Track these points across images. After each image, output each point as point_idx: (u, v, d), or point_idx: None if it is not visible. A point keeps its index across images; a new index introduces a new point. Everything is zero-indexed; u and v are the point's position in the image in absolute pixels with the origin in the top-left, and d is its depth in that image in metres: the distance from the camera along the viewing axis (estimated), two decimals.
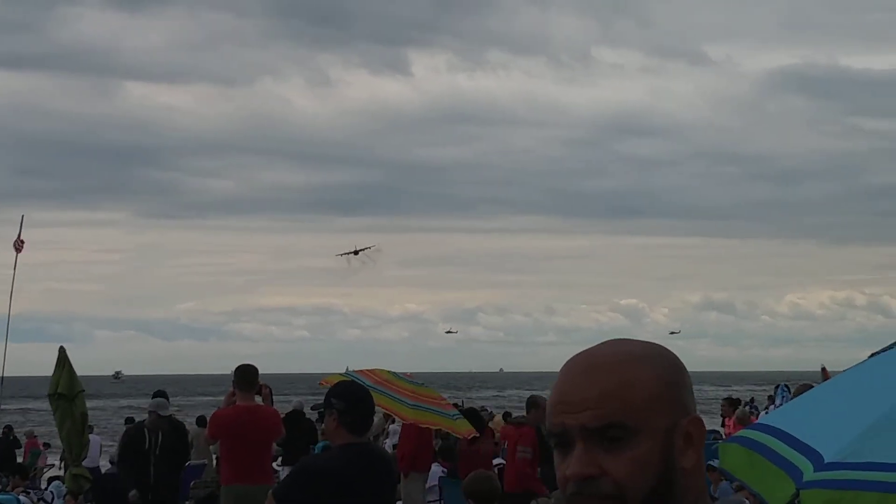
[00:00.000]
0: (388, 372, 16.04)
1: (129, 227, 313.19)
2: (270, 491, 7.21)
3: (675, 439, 2.02)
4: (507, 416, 29.33)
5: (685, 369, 2.13)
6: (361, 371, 15.69)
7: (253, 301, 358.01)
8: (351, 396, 7.05)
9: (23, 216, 22.85)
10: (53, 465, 29.07)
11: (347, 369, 17.72)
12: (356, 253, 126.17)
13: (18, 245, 22.24)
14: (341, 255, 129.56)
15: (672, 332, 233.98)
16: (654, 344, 2.16)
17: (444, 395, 18.26)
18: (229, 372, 12.20)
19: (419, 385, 15.96)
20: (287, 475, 7.27)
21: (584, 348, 2.17)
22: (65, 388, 17.03)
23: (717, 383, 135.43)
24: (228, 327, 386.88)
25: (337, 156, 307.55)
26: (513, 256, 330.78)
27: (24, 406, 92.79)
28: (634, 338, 2.18)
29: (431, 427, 15.79)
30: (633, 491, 1.98)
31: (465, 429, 15.80)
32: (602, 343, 2.16)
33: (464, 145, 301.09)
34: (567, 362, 2.14)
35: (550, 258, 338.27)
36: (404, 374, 16.14)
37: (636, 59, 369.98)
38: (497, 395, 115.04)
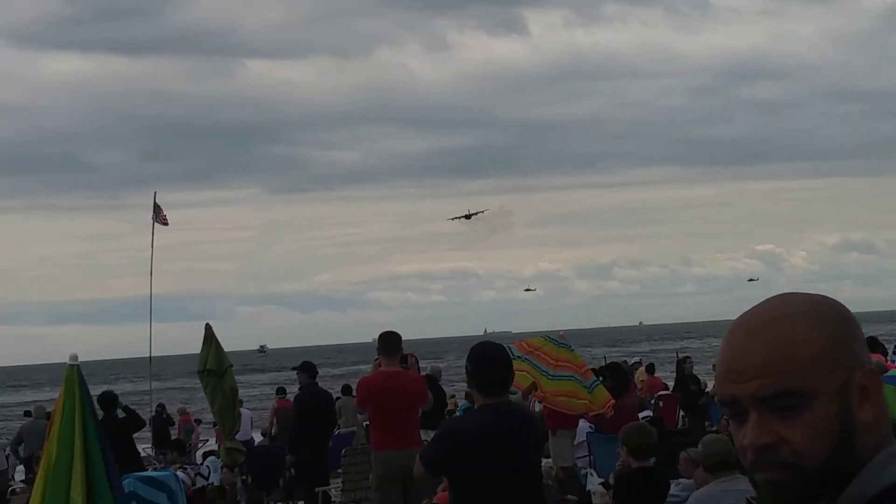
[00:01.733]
0: (542, 338, 16.04)
1: (258, 203, 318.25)
2: (418, 454, 7.28)
3: (851, 395, 1.94)
4: (650, 368, 29.19)
5: (853, 319, 2.01)
6: (517, 343, 15.73)
7: (387, 269, 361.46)
8: (479, 358, 7.06)
9: (155, 192, 23.12)
10: (207, 440, 29.66)
11: (486, 331, 17.74)
12: (468, 217, 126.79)
13: (163, 219, 22.51)
14: (453, 219, 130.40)
15: (750, 280, 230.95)
16: (816, 296, 2.03)
17: (585, 353, 18.17)
18: (370, 340, 12.34)
19: (568, 349, 15.90)
20: (431, 438, 7.33)
21: (747, 308, 2.04)
22: (213, 363, 17.32)
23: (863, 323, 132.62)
24: (365, 296, 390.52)
25: (458, 119, 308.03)
26: (642, 209, 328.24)
27: (172, 384, 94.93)
28: (796, 290, 2.05)
29: (565, 404, 15.67)
30: (811, 455, 1.93)
31: (600, 400, 15.74)
32: (763, 301, 2.04)
33: (584, 101, 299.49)
34: (731, 326, 2.03)
35: (681, 208, 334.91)
36: (557, 335, 16.11)
37: (754, 3, 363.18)
38: (637, 349, 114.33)
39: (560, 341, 16.01)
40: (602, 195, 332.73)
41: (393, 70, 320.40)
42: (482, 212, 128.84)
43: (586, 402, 15.63)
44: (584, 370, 16.38)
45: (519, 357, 14.63)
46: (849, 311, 2.03)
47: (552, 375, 15.35)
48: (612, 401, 16.25)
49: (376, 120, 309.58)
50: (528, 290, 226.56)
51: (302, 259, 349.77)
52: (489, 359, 7.07)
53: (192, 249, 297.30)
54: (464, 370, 7.06)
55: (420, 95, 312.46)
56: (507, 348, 14.97)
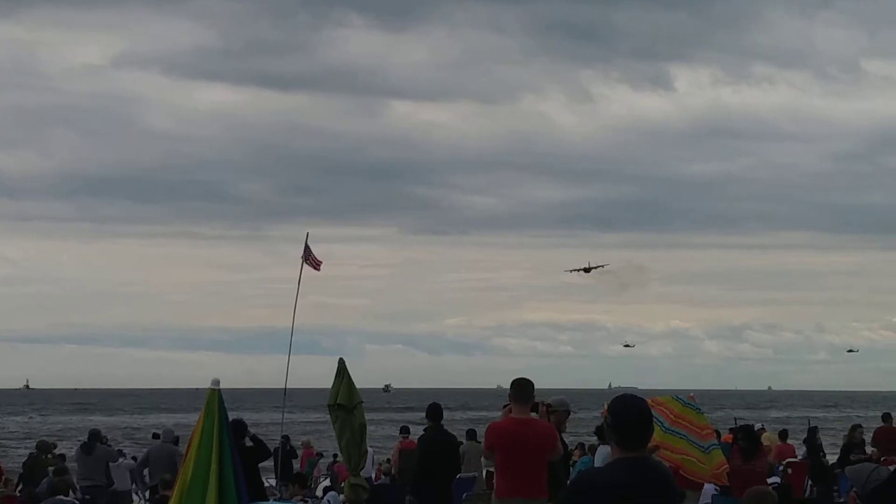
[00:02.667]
0: (670, 397, 15.88)
1: (395, 242, 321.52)
2: (554, 502, 7.23)
3: None
4: (783, 434, 28.64)
5: None
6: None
7: (517, 316, 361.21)
8: (621, 410, 6.99)
9: (308, 234, 23.30)
10: (328, 475, 29.83)
11: (610, 385, 17.63)
12: (587, 270, 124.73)
13: (314, 262, 22.65)
14: (572, 271, 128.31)
15: (850, 350, 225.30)
16: None
17: (711, 415, 17.88)
18: (495, 386, 12.33)
19: (695, 411, 15.71)
20: (567, 487, 7.27)
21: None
22: (344, 398, 17.42)
23: None
24: (493, 342, 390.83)
25: (597, 171, 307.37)
26: (781, 273, 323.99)
27: (300, 417, 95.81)
28: None
29: (675, 459, 15.45)
30: None
31: (714, 463, 15.47)
32: None
33: (727, 160, 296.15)
34: None
35: (820, 274, 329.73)
36: (687, 396, 15.94)
37: None
38: (764, 414, 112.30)
39: (688, 402, 15.83)
40: (739, 256, 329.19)
41: (535, 118, 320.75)
42: (603, 266, 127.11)
43: (703, 465, 15.39)
44: (705, 432, 16.14)
45: (667, 429, 14.58)
46: None
47: (666, 429, 15.19)
48: (726, 466, 15.99)
49: (516, 167, 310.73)
50: (626, 345, 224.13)
51: (433, 300, 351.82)
52: (631, 411, 6.99)
53: (327, 284, 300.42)
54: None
55: (561, 145, 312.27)
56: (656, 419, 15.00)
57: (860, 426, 27.73)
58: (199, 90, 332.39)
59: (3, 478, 24.87)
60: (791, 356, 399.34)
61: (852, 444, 24.17)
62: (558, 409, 15.30)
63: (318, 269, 22.58)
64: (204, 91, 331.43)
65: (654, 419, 14.79)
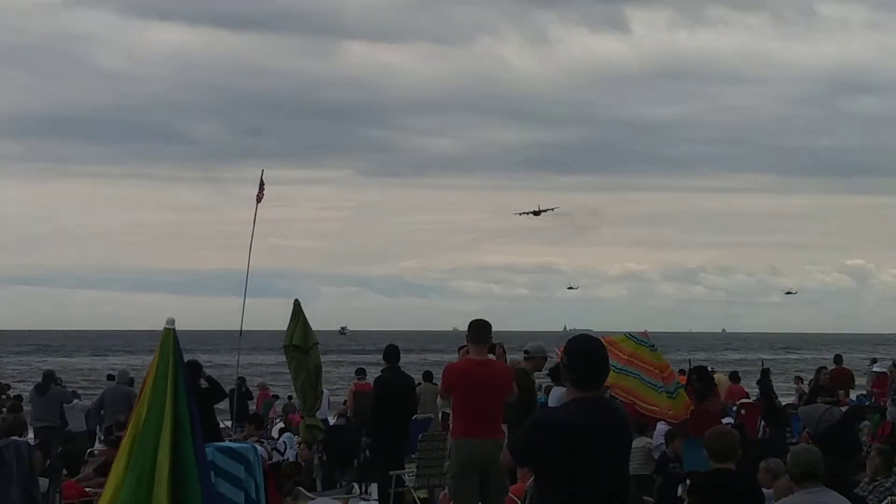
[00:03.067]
0: (624, 335, 15.92)
1: (351, 184, 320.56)
2: (506, 444, 7.22)
3: None
4: (734, 376, 28.87)
5: None
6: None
7: (474, 259, 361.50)
8: (576, 352, 6.99)
9: (262, 170, 23.19)
10: (283, 417, 29.84)
11: (565, 328, 17.65)
12: (537, 213, 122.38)
13: (259, 196, 22.56)
14: (521, 214, 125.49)
15: (788, 292, 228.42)
16: None
17: (666, 357, 17.92)
18: (451, 329, 12.31)
19: (649, 348, 15.74)
20: (521, 428, 7.26)
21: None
22: (300, 340, 17.39)
23: None
24: (450, 284, 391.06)
25: (554, 114, 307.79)
26: (735, 216, 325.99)
27: (255, 359, 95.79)
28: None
29: (627, 399, 15.49)
30: None
31: (680, 406, 15.57)
32: None
33: (683, 103, 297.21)
34: None
35: (774, 218, 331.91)
36: (639, 333, 15.95)
37: (862, 14, 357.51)
38: (719, 356, 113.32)
39: (641, 339, 15.85)
40: (695, 199, 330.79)
41: (492, 61, 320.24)
42: (553, 209, 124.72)
43: (655, 408, 15.46)
44: (667, 373, 16.20)
45: (619, 369, 14.66)
46: None
47: (619, 369, 15.24)
48: (691, 407, 16.11)
49: (473, 109, 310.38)
50: (570, 287, 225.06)
51: (389, 243, 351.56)
52: (586, 352, 7.00)
53: (283, 226, 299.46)
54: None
55: (518, 88, 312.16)
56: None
57: (825, 368, 27.98)
58: (152, 30, 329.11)
59: None
60: (745, 298, 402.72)
61: (819, 387, 24.37)
62: (536, 355, 15.40)
63: (259, 201, 22.46)
64: (157, 30, 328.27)
65: (648, 382, 14.98)
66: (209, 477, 7.26)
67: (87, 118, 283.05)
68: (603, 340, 15.31)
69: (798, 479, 9.36)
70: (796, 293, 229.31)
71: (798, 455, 9.67)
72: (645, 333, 16.11)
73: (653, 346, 16.00)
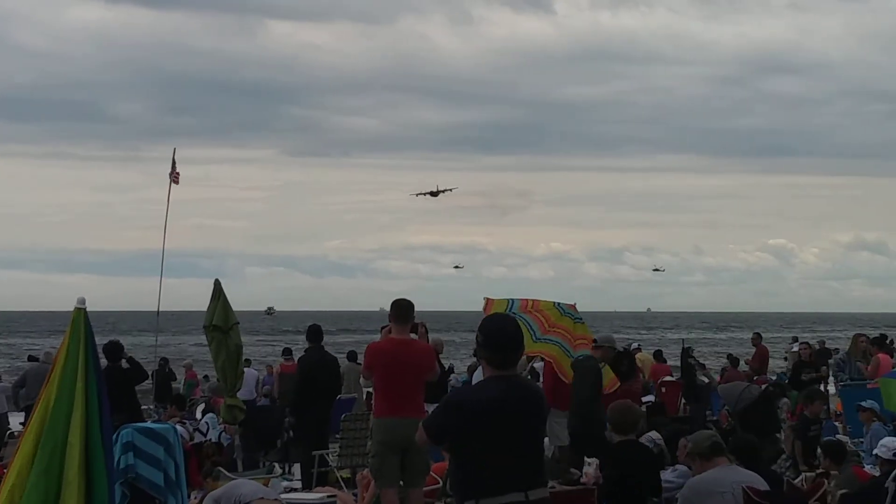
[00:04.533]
0: (552, 303, 15.93)
1: (275, 164, 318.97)
2: (421, 423, 7.23)
3: None
4: (657, 355, 29.15)
5: None
6: (523, 300, 15.67)
7: (400, 239, 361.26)
8: (491, 331, 7.01)
9: (175, 149, 23.09)
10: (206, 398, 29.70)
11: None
12: (435, 194, 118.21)
13: (174, 177, 22.44)
14: (417, 194, 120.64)
15: (655, 269, 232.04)
16: None
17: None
18: (377, 309, 12.29)
19: (574, 321, 15.80)
20: (436, 407, 7.28)
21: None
22: (220, 320, 17.28)
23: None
24: (376, 264, 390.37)
25: (478, 94, 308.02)
26: (659, 196, 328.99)
27: (179, 340, 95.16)
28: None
29: (556, 365, 15.57)
30: None
31: (607, 381, 15.68)
32: None
33: (606, 84, 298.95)
34: None
35: (697, 197, 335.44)
36: (567, 305, 16.01)
37: None
38: (645, 335, 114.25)
39: (567, 311, 15.89)
40: (618, 179, 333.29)
41: (416, 40, 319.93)
42: (451, 189, 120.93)
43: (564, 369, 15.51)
44: (580, 342, 16.16)
45: (515, 314, 14.57)
46: None
47: (537, 338, 15.26)
48: (618, 384, 16.22)
49: (397, 89, 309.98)
50: (456, 267, 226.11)
51: (315, 223, 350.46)
52: (501, 332, 7.02)
53: (207, 206, 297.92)
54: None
55: (443, 67, 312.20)
56: (509, 301, 15.07)
57: (806, 343, 28.37)
58: (72, 7, 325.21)
59: None
60: (669, 278, 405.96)
61: (802, 363, 24.66)
62: (604, 345, 15.73)
63: (177, 183, 22.33)
64: (77, 8, 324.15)
65: (527, 325, 14.97)
66: (113, 458, 7.20)
67: (7, 97, 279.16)
68: (529, 303, 15.42)
69: (707, 456, 9.49)
70: (664, 270, 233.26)
71: (697, 435, 9.91)
72: (573, 307, 16.17)
73: (579, 318, 16.04)
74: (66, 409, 6.63)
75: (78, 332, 6.75)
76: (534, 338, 15.09)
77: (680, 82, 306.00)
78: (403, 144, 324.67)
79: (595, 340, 15.87)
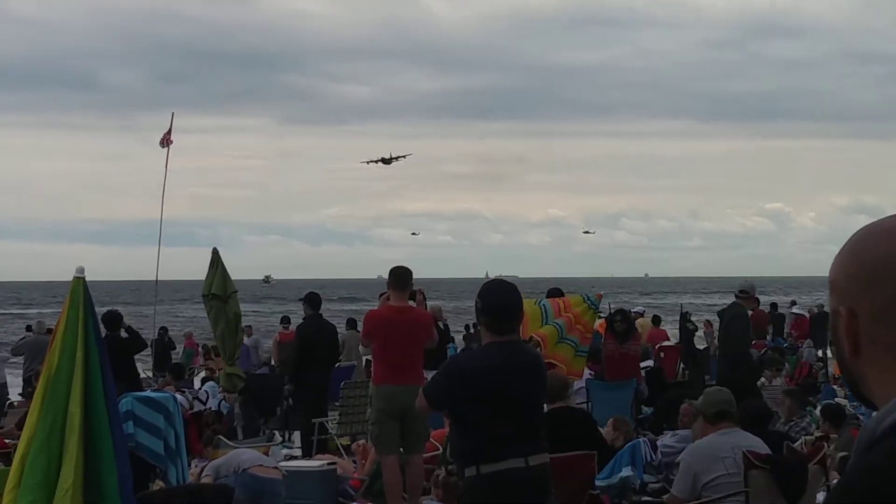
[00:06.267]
0: (581, 298, 16.10)
1: (271, 132, 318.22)
2: (421, 389, 7.23)
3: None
4: (655, 320, 29.16)
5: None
6: (555, 303, 15.80)
7: (397, 206, 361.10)
8: (490, 296, 6.99)
9: (173, 113, 22.92)
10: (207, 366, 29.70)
11: (487, 274, 17.73)
12: (387, 161, 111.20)
13: (166, 141, 22.23)
14: (368, 162, 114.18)
15: (585, 232, 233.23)
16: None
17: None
18: (375, 276, 12.29)
19: (593, 310, 15.95)
20: (436, 373, 7.27)
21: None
22: (218, 288, 17.27)
23: None
24: (373, 232, 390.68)
25: (474, 60, 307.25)
26: (655, 161, 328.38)
27: (176, 308, 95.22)
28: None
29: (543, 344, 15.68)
30: None
31: (574, 368, 15.74)
32: None
33: (601, 49, 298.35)
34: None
35: (694, 162, 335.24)
36: (596, 295, 16.22)
37: None
38: (643, 301, 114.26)
39: (594, 301, 16.02)
40: (615, 144, 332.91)
41: (410, 6, 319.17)
42: (405, 156, 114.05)
43: (554, 361, 15.60)
44: (589, 334, 16.26)
45: (551, 323, 14.87)
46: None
47: (562, 338, 15.46)
48: (578, 377, 16.31)
49: (393, 55, 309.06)
50: (586, 232, 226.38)
51: (311, 191, 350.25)
52: (500, 297, 7.00)
53: (203, 175, 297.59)
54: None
55: (438, 33, 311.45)
56: (542, 307, 15.20)
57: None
58: None
59: None
60: (666, 243, 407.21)
61: (687, 330, 24.73)
62: (752, 293, 16.30)
63: (164, 146, 22.07)
64: None
65: (555, 325, 15.08)
66: (121, 426, 7.20)
67: (0, 66, 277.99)
68: (561, 304, 15.54)
69: (712, 419, 9.46)
70: (594, 233, 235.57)
71: (711, 395, 9.79)
72: (600, 296, 16.36)
73: (595, 306, 16.19)
74: (67, 378, 6.64)
75: (77, 301, 6.74)
76: (559, 336, 15.26)
77: (675, 46, 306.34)
78: (399, 111, 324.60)
79: (743, 291, 16.10)
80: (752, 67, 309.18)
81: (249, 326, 28.09)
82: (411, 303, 12.11)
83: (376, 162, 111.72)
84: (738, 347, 15.54)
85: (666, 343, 26.24)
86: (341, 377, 19.42)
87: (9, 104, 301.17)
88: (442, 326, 21.30)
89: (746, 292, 16.04)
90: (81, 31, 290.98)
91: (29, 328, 29.67)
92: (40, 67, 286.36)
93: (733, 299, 16.28)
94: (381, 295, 12.43)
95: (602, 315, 17.61)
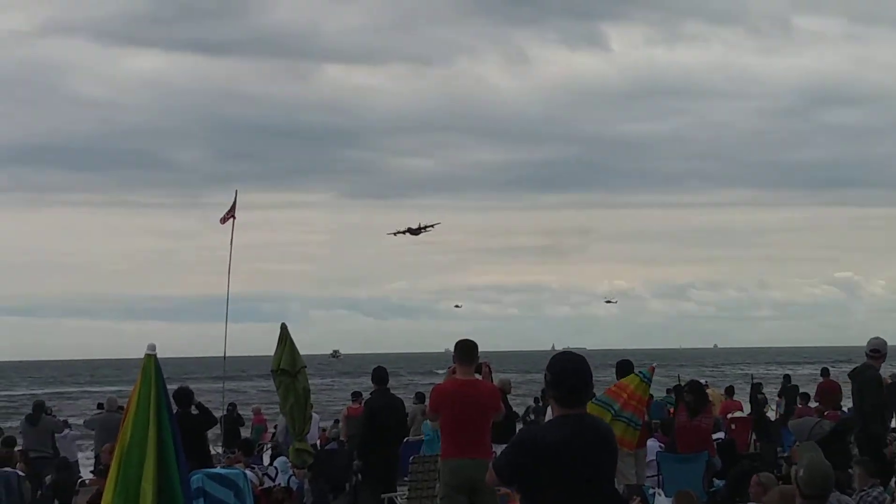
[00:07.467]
0: (635, 376, 16.05)
1: (334, 207, 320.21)
2: (491, 463, 7.20)
3: None
4: (729, 390, 28.91)
5: None
6: (609, 391, 15.79)
7: (462, 279, 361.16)
8: (560, 368, 6.96)
9: (236, 191, 23.12)
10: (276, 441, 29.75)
11: (553, 346, 17.73)
12: (415, 232, 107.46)
13: (228, 218, 22.39)
14: (395, 233, 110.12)
15: (607, 301, 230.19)
16: None
17: (659, 372, 17.98)
18: (443, 350, 12.30)
19: (646, 384, 15.89)
20: (506, 447, 7.23)
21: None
22: (287, 363, 17.33)
23: None
24: (439, 306, 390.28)
25: (537, 132, 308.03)
26: (721, 230, 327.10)
27: (244, 384, 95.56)
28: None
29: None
30: None
31: (627, 438, 15.68)
32: None
33: (664, 119, 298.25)
34: None
35: (761, 232, 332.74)
36: (649, 368, 16.19)
37: (838, 26, 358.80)
38: (712, 371, 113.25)
39: (647, 375, 15.97)
40: (681, 215, 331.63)
41: (472, 80, 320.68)
42: (433, 225, 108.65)
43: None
44: (640, 406, 16.21)
45: (598, 402, 14.90)
46: None
47: (616, 415, 15.46)
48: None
49: (454, 129, 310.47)
50: (608, 301, 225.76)
51: (376, 265, 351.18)
52: (569, 369, 6.96)
53: (268, 250, 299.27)
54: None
55: (499, 107, 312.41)
56: (609, 404, 15.23)
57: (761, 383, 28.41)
58: (130, 56, 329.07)
59: None
60: (735, 313, 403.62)
61: (758, 401, 24.58)
62: (883, 351, 16.04)
63: (223, 223, 22.29)
64: (134, 58, 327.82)
65: (607, 404, 15.04)
66: (192, 502, 7.24)
67: (69, 146, 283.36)
68: (620, 392, 15.51)
69: (808, 498, 9.05)
70: (616, 302, 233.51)
71: (815, 472, 9.08)
72: (653, 369, 16.30)
73: (648, 378, 16.15)
74: (139, 455, 6.69)
75: (149, 378, 6.81)
76: (612, 413, 15.26)
77: (738, 116, 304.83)
78: (461, 184, 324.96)
79: (875, 350, 16.00)
80: (817, 136, 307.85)
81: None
82: (477, 376, 12.10)
83: (403, 233, 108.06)
84: (873, 407, 15.53)
85: (738, 414, 25.97)
86: (410, 452, 19.38)
87: (76, 184, 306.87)
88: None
89: (878, 351, 15.97)
90: (146, 110, 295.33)
91: (100, 405, 29.90)
92: (106, 147, 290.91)
93: (807, 369, 16.15)
94: (448, 368, 12.43)
95: (671, 387, 17.48)
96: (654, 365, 16.61)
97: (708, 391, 25.54)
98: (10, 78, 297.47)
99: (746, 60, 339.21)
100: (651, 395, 17.21)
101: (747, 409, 27.75)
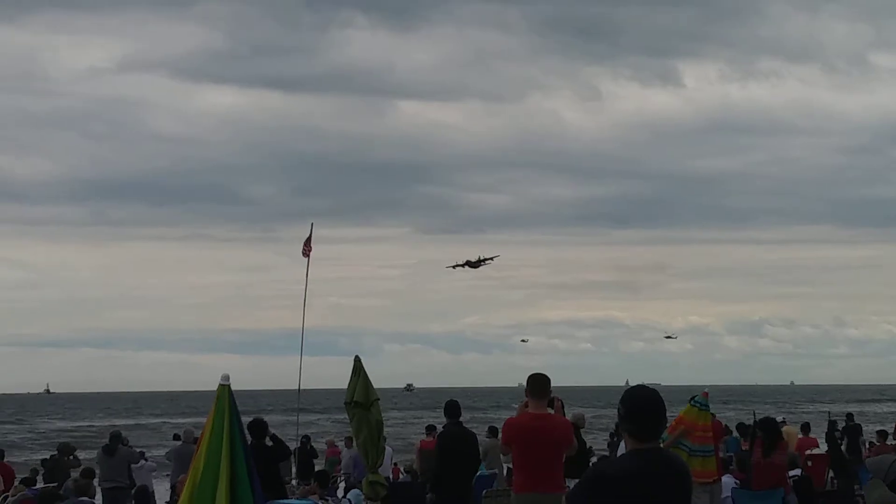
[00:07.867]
0: (690, 405, 16.08)
1: (409, 242, 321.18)
2: (564, 496, 7.18)
3: None
4: (805, 427, 28.61)
5: None
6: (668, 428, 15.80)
7: (535, 314, 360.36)
8: (633, 402, 6.94)
9: (312, 224, 23.34)
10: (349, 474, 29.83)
11: (627, 382, 17.82)
12: (474, 265, 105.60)
13: (307, 251, 22.66)
14: (455, 266, 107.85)
15: (667, 337, 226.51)
16: None
17: (736, 409, 17.87)
18: (516, 384, 12.32)
19: (703, 411, 15.88)
20: (579, 481, 7.21)
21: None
22: (361, 396, 17.38)
23: None
24: (512, 340, 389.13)
25: (609, 169, 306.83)
26: (796, 267, 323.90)
27: (317, 417, 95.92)
28: None
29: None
30: None
31: (701, 468, 15.63)
32: None
33: (738, 156, 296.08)
34: None
35: (836, 269, 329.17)
36: (702, 393, 16.18)
37: None
38: (790, 409, 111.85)
39: (702, 403, 15.98)
40: (755, 251, 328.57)
41: (544, 116, 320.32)
42: (492, 258, 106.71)
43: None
44: (706, 433, 16.20)
45: (692, 451, 14.94)
46: None
47: (692, 451, 15.47)
48: (715, 477, 16.13)
49: (527, 165, 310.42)
50: (668, 337, 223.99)
51: (450, 300, 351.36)
52: (643, 403, 6.94)
53: (343, 285, 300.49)
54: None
55: (572, 143, 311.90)
56: (682, 443, 15.23)
57: (837, 421, 28.14)
58: (206, 93, 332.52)
59: (15, 481, 24.79)
60: (811, 350, 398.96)
61: (835, 439, 24.26)
62: None
63: (306, 256, 22.55)
64: (210, 94, 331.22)
65: (681, 444, 15.06)
66: None
67: (145, 182, 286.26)
68: (678, 424, 15.54)
69: None
70: (676, 337, 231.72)
71: None
72: (706, 394, 16.29)
73: (705, 406, 16.13)
74: (212, 485, 6.74)
75: (223, 408, 6.87)
76: (688, 451, 15.37)
77: (812, 153, 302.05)
78: (535, 221, 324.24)
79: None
80: (892, 173, 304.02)
81: (350, 438, 28.12)
82: (550, 410, 12.08)
83: (462, 266, 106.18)
84: None
85: (815, 451, 25.66)
86: (483, 485, 19.36)
87: (153, 219, 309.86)
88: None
89: None
90: (222, 146, 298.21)
91: (176, 437, 30.17)
92: (183, 183, 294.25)
93: (886, 406, 15.99)
94: (521, 402, 12.42)
95: (748, 423, 17.39)
96: (706, 391, 16.62)
97: (784, 428, 25.30)
98: (90, 114, 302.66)
99: (822, 97, 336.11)
100: (729, 430, 17.12)
101: (824, 446, 27.47)
